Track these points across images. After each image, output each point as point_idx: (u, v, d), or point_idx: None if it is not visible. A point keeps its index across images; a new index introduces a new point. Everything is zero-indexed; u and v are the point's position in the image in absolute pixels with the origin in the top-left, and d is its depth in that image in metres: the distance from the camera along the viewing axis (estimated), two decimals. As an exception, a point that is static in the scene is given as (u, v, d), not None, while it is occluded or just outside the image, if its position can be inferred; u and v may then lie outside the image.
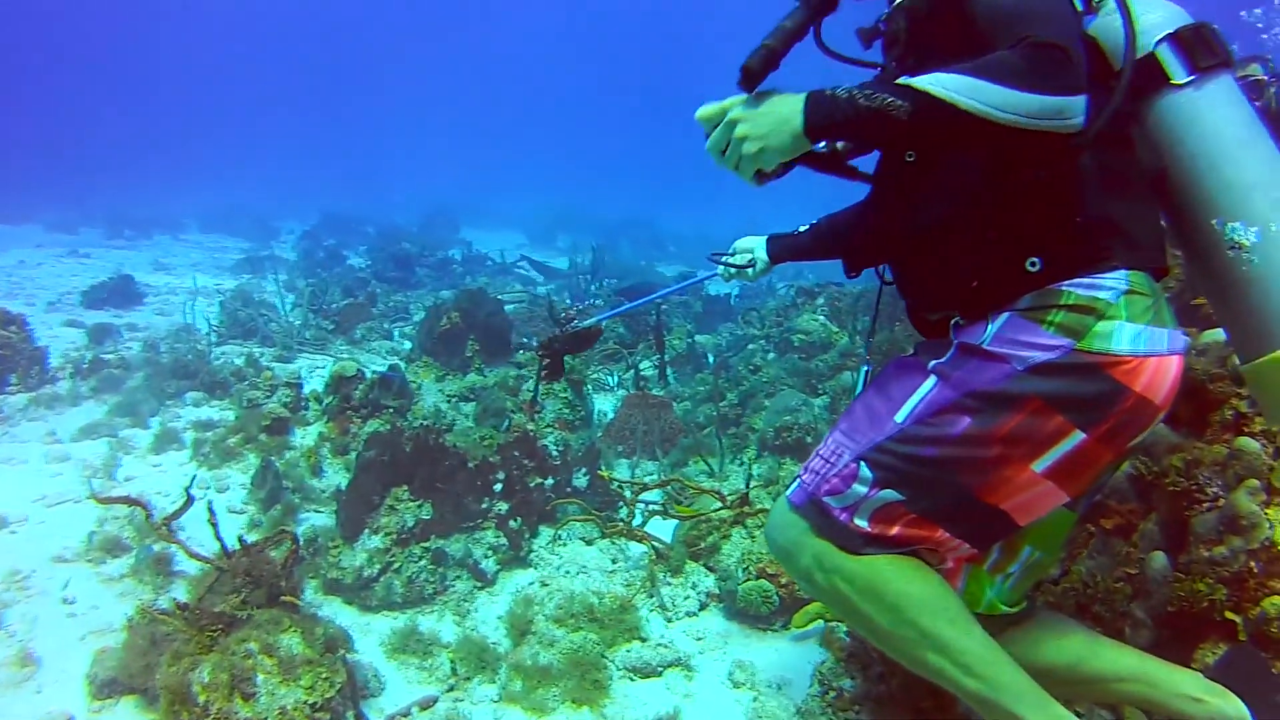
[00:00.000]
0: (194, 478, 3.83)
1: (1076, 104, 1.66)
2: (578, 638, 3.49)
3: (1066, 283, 1.81)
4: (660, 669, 3.46)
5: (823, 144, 1.98)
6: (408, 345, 8.83)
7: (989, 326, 1.87)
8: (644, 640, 3.62)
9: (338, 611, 3.80)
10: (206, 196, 21.84)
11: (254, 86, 58.83)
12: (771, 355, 7.86)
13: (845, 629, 3.46)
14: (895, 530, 1.95)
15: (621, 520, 4.42)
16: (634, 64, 70.56)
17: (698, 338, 8.86)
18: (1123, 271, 1.82)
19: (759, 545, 3.97)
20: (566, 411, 6.10)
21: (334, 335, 8.69)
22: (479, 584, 4.00)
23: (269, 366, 7.23)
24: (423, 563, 3.88)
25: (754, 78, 1.87)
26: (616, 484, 4.69)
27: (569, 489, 4.63)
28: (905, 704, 2.88)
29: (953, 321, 1.99)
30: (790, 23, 1.95)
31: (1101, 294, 1.80)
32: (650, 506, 4.42)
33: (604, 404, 7.12)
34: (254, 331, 8.42)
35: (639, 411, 6.04)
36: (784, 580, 3.80)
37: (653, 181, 41.09)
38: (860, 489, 1.95)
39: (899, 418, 1.95)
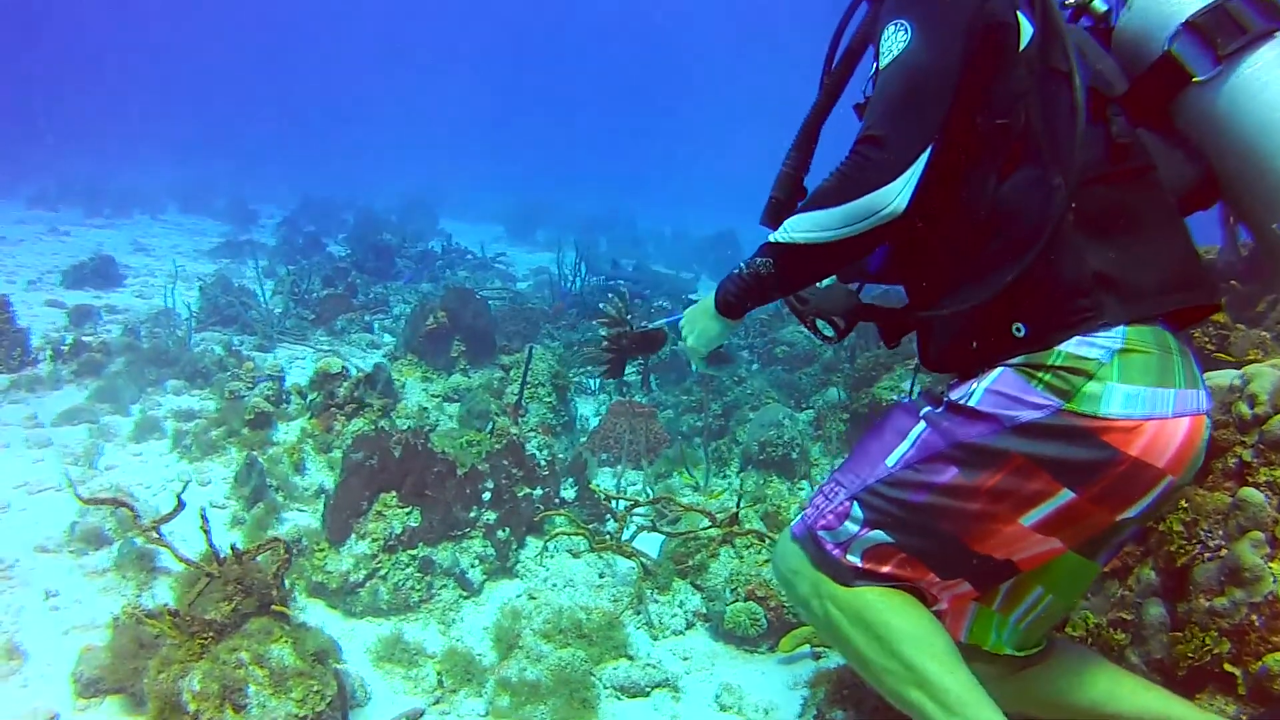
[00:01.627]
0: (186, 484, 3.76)
1: (881, 197, 1.75)
2: (565, 654, 3.47)
3: (1059, 342, 1.79)
4: (648, 689, 3.45)
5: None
6: (387, 338, 8.78)
7: (982, 382, 1.88)
8: (631, 659, 3.61)
9: (321, 616, 3.76)
10: (186, 173, 21.54)
11: (235, 64, 58.13)
12: (755, 366, 7.88)
13: (838, 659, 3.49)
14: (887, 568, 1.99)
15: (609, 534, 4.41)
16: (615, 58, 70.50)
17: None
18: (1120, 329, 1.77)
19: (747, 565, 3.97)
20: (550, 416, 6.10)
21: (314, 326, 8.62)
22: (465, 593, 3.98)
23: (250, 356, 7.18)
24: (409, 570, 3.85)
25: (777, 222, 2.12)
26: (603, 495, 4.69)
27: (557, 500, 4.61)
28: (899, 739, 2.89)
29: (950, 382, 2.03)
30: (788, 167, 2.27)
31: (1092, 353, 1.76)
32: (638, 521, 4.42)
33: (585, 408, 7.11)
34: (234, 319, 8.33)
35: (624, 420, 6.03)
36: (772, 603, 3.81)
37: (632, 178, 41.09)
38: (851, 527, 1.99)
39: (890, 461, 1.99)
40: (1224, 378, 2.87)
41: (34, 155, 21.19)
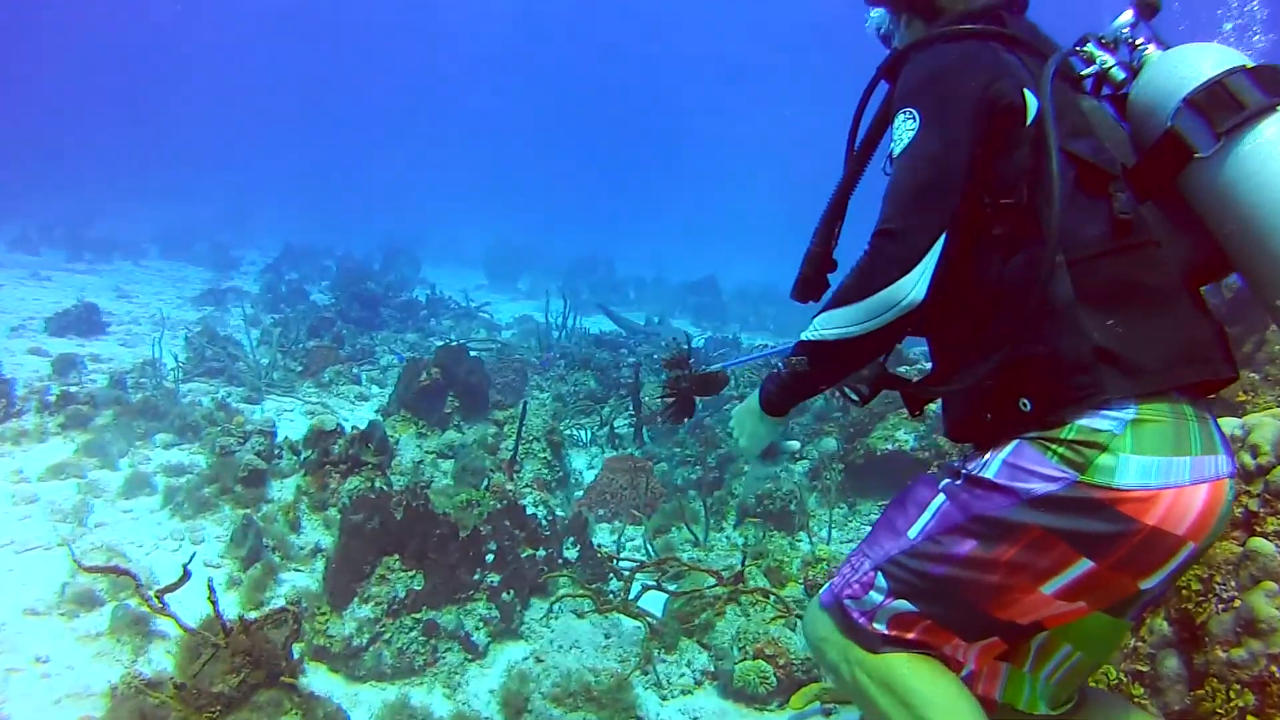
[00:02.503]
0: (193, 555, 3.67)
1: (898, 290, 1.80)
2: (576, 718, 3.42)
3: (1071, 416, 1.79)
4: (660, 753, 3.41)
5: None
6: (375, 390, 8.73)
7: (998, 454, 1.89)
8: (641, 721, 3.56)
9: (323, 680, 3.69)
10: (166, 217, 21.47)
11: (214, 108, 58.14)
12: (748, 417, 7.86)
13: (850, 716, 3.47)
14: (912, 635, 2.02)
15: (612, 593, 4.38)
16: (595, 105, 71.02)
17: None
18: (1131, 404, 1.76)
19: (754, 624, 3.94)
20: (545, 471, 6.06)
21: (301, 378, 8.55)
22: (470, 656, 3.91)
23: (239, 409, 7.10)
24: (413, 634, 3.78)
25: (805, 297, 2.29)
26: (604, 554, 4.65)
27: (560, 560, 4.55)
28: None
29: (967, 452, 2.06)
30: (816, 244, 2.29)
31: (1105, 425, 1.76)
32: (643, 581, 4.38)
33: (577, 461, 7.07)
34: (220, 370, 8.25)
35: (621, 475, 6.00)
36: (781, 661, 3.77)
37: (612, 221, 41.30)
38: (876, 597, 2.02)
39: (912, 533, 2.01)
40: (1225, 427, 2.90)
41: (16, 192, 21.11)
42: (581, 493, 6.26)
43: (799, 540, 5.42)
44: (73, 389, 6.80)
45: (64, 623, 3.90)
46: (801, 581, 4.38)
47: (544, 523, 4.56)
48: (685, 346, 2.61)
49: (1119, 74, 2.02)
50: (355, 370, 9.01)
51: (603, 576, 4.59)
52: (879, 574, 2.02)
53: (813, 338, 1.94)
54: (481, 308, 13.58)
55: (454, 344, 7.29)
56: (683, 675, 3.88)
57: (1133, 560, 1.80)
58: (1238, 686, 2.64)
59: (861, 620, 2.04)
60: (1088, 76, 2.06)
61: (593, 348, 11.02)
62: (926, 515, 2.00)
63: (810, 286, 2.29)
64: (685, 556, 4.92)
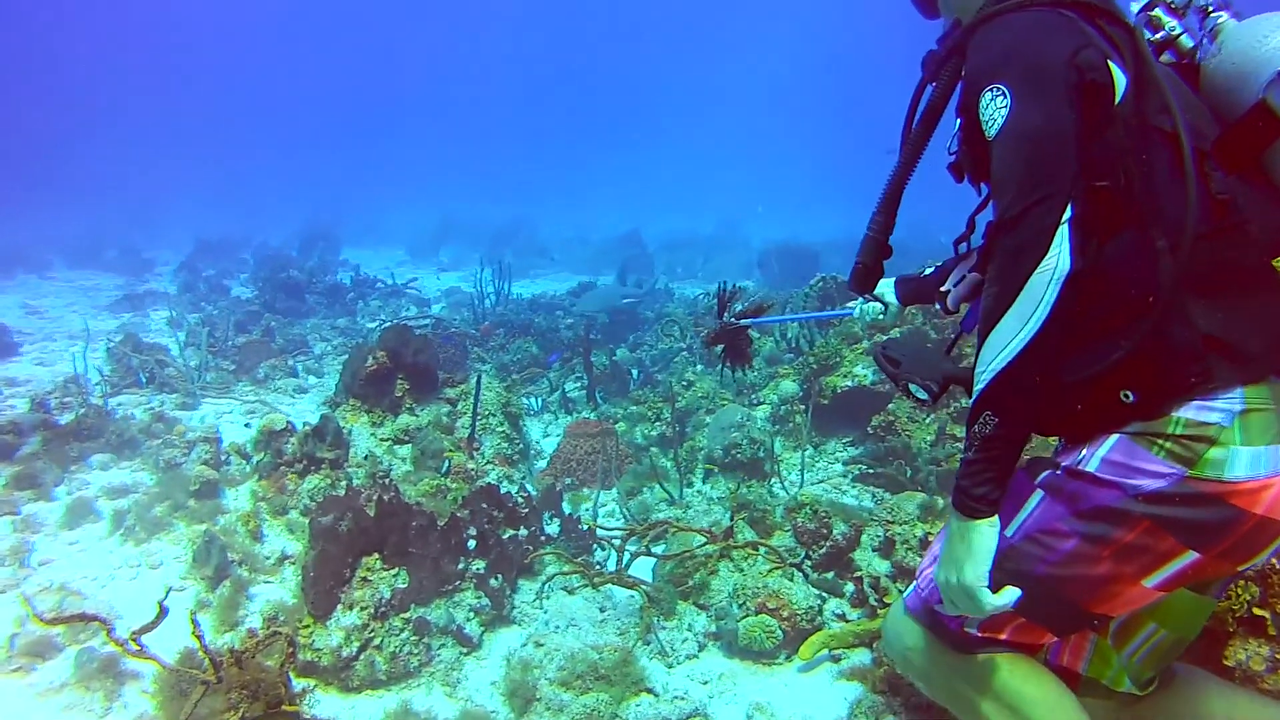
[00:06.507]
0: (169, 591, 3.36)
1: (1045, 266, 1.64)
2: (589, 700, 3.31)
3: (1175, 408, 1.72)
4: (680, 724, 3.32)
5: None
6: (312, 380, 8.44)
7: (1097, 449, 1.82)
8: (652, 692, 3.46)
9: (317, 697, 3.51)
10: (67, 227, 20.43)
11: (107, 98, 55.52)
12: (700, 367, 7.78)
13: (871, 658, 3.44)
14: (1004, 635, 1.99)
15: (598, 564, 4.26)
16: (501, 60, 69.75)
17: (617, 353, 8.69)
18: (1238, 390, 1.70)
19: (750, 579, 3.87)
20: (505, 446, 5.90)
21: (236, 376, 8.21)
22: (464, 649, 3.76)
23: (176, 418, 6.77)
24: (405, 635, 3.62)
25: (865, 286, 2.26)
26: (593, 525, 4.52)
27: (543, 537, 4.40)
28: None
29: (1056, 446, 2.00)
30: (873, 232, 2.15)
31: (1213, 418, 1.70)
32: (630, 548, 4.28)
33: (533, 430, 6.91)
34: (151, 378, 7.85)
35: (583, 441, 5.85)
36: (785, 614, 3.71)
37: (529, 182, 40.81)
38: None
39: (1008, 532, 1.93)
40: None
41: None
42: (544, 463, 6.11)
43: (773, 486, 5.35)
44: (-10, 418, 6.38)
45: (20, 679, 3.59)
46: (790, 528, 4.31)
47: (519, 500, 4.39)
48: (729, 292, 2.58)
49: (1188, 41, 1.91)
50: (290, 362, 8.70)
51: (586, 548, 4.46)
52: None
53: (985, 382, 1.71)
54: (408, 284, 13.26)
55: (396, 324, 7.04)
56: (685, 640, 3.79)
57: (1238, 548, 1.77)
58: (1243, 582, 2.74)
59: (953, 625, 2.01)
60: (1153, 44, 1.94)
61: (529, 312, 10.84)
62: (1023, 513, 1.93)
63: (870, 275, 2.20)
64: (663, 516, 4.82)
